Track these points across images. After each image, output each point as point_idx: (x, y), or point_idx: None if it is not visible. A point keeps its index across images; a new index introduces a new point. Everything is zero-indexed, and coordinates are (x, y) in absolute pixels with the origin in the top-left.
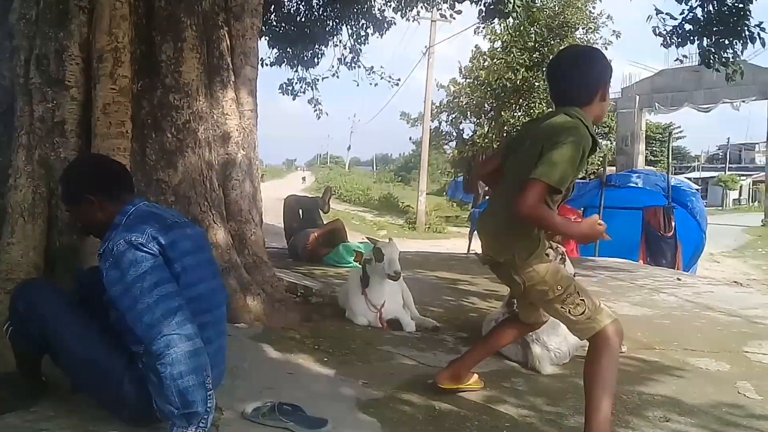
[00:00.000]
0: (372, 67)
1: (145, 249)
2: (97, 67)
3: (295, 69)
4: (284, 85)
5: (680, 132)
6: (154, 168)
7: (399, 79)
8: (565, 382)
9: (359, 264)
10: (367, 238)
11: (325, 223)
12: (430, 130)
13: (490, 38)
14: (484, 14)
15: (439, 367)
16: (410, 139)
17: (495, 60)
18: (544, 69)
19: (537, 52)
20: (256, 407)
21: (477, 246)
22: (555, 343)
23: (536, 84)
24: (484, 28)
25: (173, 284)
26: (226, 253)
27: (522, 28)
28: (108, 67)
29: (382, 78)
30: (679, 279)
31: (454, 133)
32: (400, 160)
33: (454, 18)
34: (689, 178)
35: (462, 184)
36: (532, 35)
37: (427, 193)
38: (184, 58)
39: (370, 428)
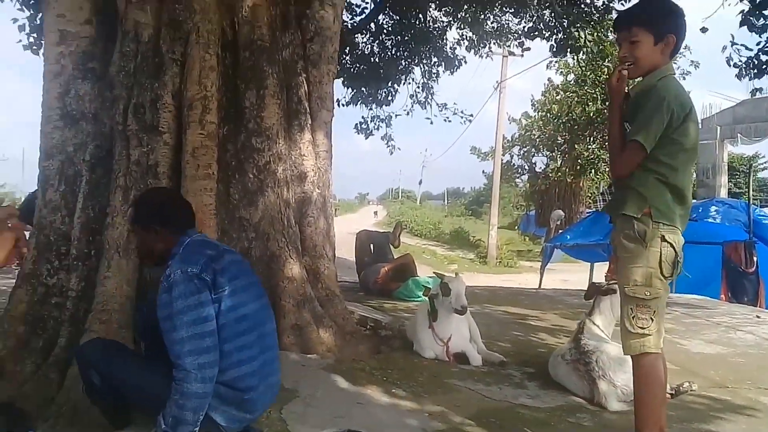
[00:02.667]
0: (445, 104)
1: (197, 280)
2: (188, 114)
3: (369, 108)
4: (359, 125)
5: (765, 163)
6: (236, 207)
7: (471, 115)
8: (631, 419)
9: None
10: (435, 272)
11: (395, 257)
12: (502, 163)
13: (562, 72)
14: (555, 49)
15: (505, 401)
16: (483, 172)
17: (568, 93)
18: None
19: None
20: None
21: (549, 281)
22: (622, 380)
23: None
24: (556, 62)
25: (210, 323)
26: (300, 287)
27: (594, 62)
28: (197, 114)
29: (455, 114)
30: (758, 317)
31: (526, 167)
32: (471, 194)
33: (523, 55)
34: None
35: (534, 217)
36: (604, 68)
37: (498, 227)
38: (266, 105)
39: None
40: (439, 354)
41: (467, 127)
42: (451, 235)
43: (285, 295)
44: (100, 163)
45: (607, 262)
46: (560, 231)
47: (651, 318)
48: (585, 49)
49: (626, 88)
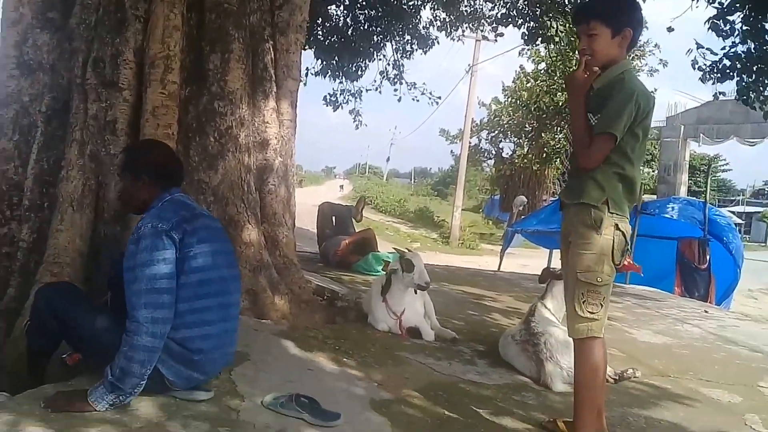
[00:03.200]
0: (414, 83)
1: (165, 236)
2: (149, 72)
3: (339, 80)
4: (328, 96)
5: (726, 164)
6: (196, 169)
7: (439, 97)
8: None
9: None
10: (395, 248)
11: (357, 231)
12: (470, 147)
13: (534, 60)
14: (527, 37)
15: (454, 376)
16: (451, 152)
17: (538, 81)
18: None
19: None
20: (275, 397)
21: (508, 264)
22: (568, 362)
23: None
24: (528, 49)
25: (170, 281)
26: (258, 253)
27: (564, 53)
28: (159, 72)
29: (422, 94)
30: (706, 311)
31: (494, 151)
32: (438, 175)
33: (496, 40)
34: (733, 212)
35: (499, 202)
36: (574, 60)
37: (462, 209)
38: (230, 69)
39: (380, 427)
40: (392, 327)
41: (436, 108)
42: (415, 214)
43: (241, 260)
44: (56, 115)
45: None
46: (522, 216)
47: (600, 303)
48: (556, 40)
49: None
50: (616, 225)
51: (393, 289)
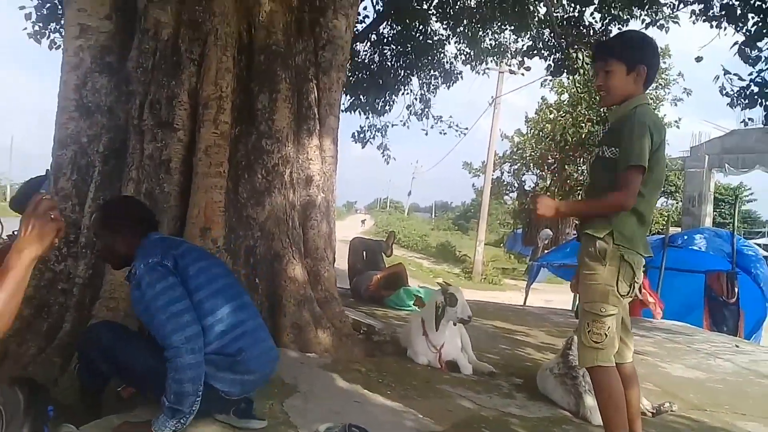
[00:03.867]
0: (441, 117)
1: (160, 267)
2: (202, 112)
3: (366, 116)
4: (356, 133)
5: (750, 194)
6: (244, 205)
7: (467, 128)
8: None
9: (418, 308)
10: (438, 283)
11: (387, 266)
12: (492, 180)
13: (557, 90)
14: (552, 69)
15: (495, 409)
16: (473, 185)
17: (561, 113)
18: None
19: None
20: (327, 427)
21: (533, 299)
22: None
23: None
24: (551, 80)
25: (184, 301)
26: (302, 287)
27: (590, 83)
28: (212, 113)
29: (449, 126)
30: (737, 346)
31: (516, 184)
32: (459, 209)
33: (523, 74)
34: (759, 244)
35: (521, 236)
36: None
37: (484, 244)
38: (278, 108)
39: None
40: (431, 361)
41: (460, 140)
42: (437, 249)
43: (286, 294)
44: (113, 155)
45: None
46: (547, 251)
47: (605, 333)
48: (581, 71)
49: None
50: (622, 256)
51: (433, 324)
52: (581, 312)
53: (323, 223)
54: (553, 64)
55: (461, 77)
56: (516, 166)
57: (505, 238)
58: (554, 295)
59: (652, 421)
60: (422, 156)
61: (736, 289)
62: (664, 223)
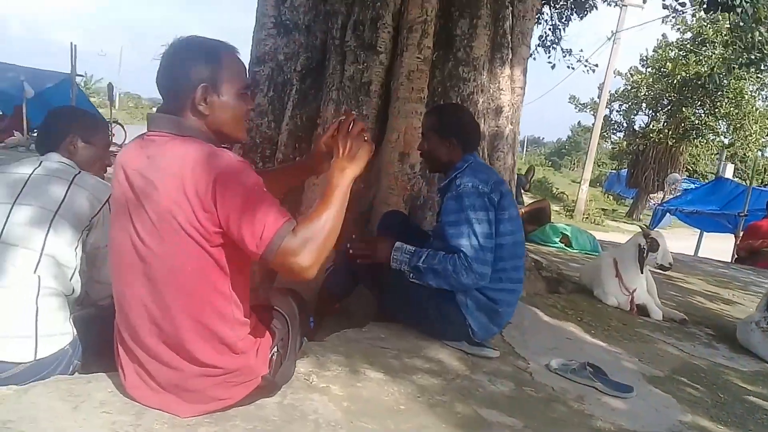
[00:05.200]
0: (570, 50)
1: (486, 198)
2: (406, 36)
3: None
4: None
5: None
6: None
7: (596, 65)
8: None
9: (565, 246)
10: (640, 226)
11: (528, 202)
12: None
13: (680, 28)
14: (706, 5)
15: (704, 359)
16: (578, 123)
17: (683, 52)
18: (737, 67)
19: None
20: (563, 363)
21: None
22: None
23: (726, 83)
24: (673, 17)
25: (491, 240)
26: None
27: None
28: (416, 37)
29: (578, 61)
30: None
31: (625, 124)
32: (552, 145)
33: (642, 7)
34: None
35: (626, 177)
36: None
37: (574, 181)
38: (477, 34)
39: (667, 402)
40: (622, 303)
41: (569, 74)
42: (533, 185)
43: None
44: (310, 74)
45: (729, 234)
46: (673, 195)
47: None
48: (740, 8)
49: None
50: None
51: (628, 266)
52: None
53: (509, 155)
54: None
55: (596, 7)
56: (626, 105)
57: (603, 178)
58: (675, 242)
59: None
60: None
61: None
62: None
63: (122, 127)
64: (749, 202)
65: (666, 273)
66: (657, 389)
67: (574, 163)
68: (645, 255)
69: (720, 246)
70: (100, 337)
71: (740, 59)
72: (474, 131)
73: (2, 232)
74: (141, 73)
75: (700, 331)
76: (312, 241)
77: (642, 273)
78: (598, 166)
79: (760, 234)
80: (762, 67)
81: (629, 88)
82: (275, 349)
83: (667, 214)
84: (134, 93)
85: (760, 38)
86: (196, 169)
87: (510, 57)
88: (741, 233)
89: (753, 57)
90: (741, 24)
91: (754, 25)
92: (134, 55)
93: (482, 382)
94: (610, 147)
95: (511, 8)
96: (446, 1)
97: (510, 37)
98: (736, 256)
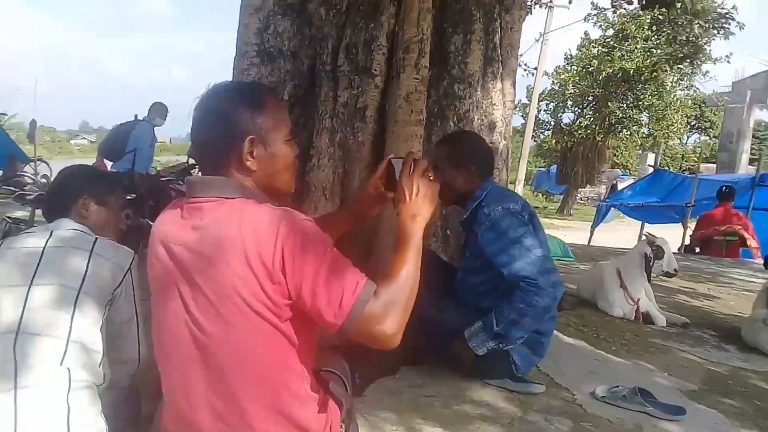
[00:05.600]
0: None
1: (519, 217)
2: (403, 57)
3: None
4: None
5: None
6: None
7: (536, 68)
8: None
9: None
10: (645, 234)
11: None
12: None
13: (601, 26)
14: (644, 2)
15: (723, 364)
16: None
17: (605, 48)
18: (663, 59)
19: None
20: (609, 390)
21: (597, 240)
22: None
23: (651, 75)
24: (596, 15)
25: (541, 250)
26: None
27: (640, 17)
28: (413, 57)
29: (519, 66)
30: None
31: (552, 122)
32: None
33: (568, 7)
34: None
35: (555, 175)
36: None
37: (510, 182)
38: (471, 50)
39: (717, 418)
40: (627, 313)
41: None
42: None
43: None
44: (298, 103)
45: (676, 224)
46: (620, 189)
47: None
48: (679, 3)
49: None
50: None
51: (633, 275)
52: None
53: (503, 170)
54: None
55: (530, 12)
56: (553, 104)
57: (531, 176)
58: (615, 234)
59: None
60: None
61: None
62: (696, 160)
63: (47, 164)
64: (695, 194)
65: None
66: (701, 405)
67: None
68: (651, 263)
69: (664, 235)
70: (127, 423)
71: (677, 54)
72: (488, 155)
73: (21, 320)
74: (56, 101)
75: (704, 334)
76: (395, 304)
77: (649, 282)
78: (528, 165)
79: (713, 222)
80: (694, 61)
81: (557, 87)
82: (343, 423)
83: (612, 209)
84: (48, 126)
85: (692, 33)
86: (259, 235)
87: (501, 71)
88: (689, 223)
89: (686, 52)
90: (675, 20)
91: (692, 18)
92: (49, 82)
93: (540, 422)
94: (536, 146)
95: (499, 21)
96: (438, 18)
97: (500, 50)
98: (686, 245)
